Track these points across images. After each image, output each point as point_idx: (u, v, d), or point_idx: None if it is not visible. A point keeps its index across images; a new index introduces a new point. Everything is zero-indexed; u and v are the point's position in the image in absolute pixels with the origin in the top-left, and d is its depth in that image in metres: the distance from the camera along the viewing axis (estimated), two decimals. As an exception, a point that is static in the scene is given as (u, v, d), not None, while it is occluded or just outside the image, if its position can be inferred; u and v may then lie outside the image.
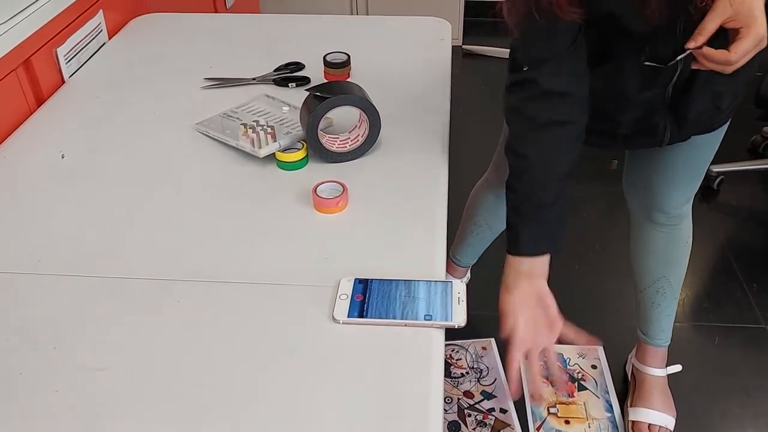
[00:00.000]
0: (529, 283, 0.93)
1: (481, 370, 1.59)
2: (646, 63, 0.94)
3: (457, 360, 1.61)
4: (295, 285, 0.81)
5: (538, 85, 0.88)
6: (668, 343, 1.47)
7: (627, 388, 1.53)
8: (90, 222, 0.92)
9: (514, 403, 1.51)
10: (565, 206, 0.94)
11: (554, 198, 0.92)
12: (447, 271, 1.63)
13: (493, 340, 1.64)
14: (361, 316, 0.75)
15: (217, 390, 0.69)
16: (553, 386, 1.55)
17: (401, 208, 0.93)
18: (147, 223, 0.92)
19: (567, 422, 1.49)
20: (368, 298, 0.77)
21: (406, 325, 0.75)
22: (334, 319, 0.76)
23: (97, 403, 0.67)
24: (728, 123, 1.11)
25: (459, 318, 0.75)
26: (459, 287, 0.79)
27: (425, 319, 0.75)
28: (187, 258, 0.86)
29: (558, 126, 0.91)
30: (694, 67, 0.84)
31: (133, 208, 0.95)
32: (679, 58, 0.90)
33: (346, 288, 0.79)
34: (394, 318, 0.75)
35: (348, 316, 0.76)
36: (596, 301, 1.78)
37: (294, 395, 0.68)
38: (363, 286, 0.79)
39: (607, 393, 1.55)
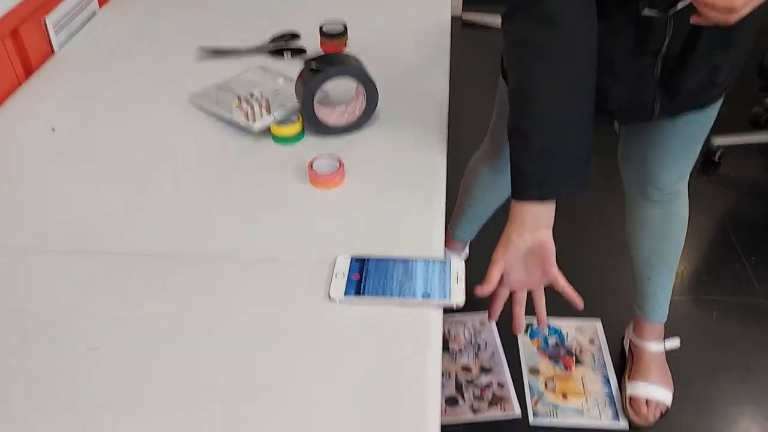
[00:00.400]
0: (533, 236, 0.85)
1: (480, 345, 1.59)
2: (645, 11, 0.89)
3: (455, 335, 1.61)
4: (290, 262, 0.80)
5: (543, 6, 0.79)
6: (665, 319, 1.46)
7: (625, 363, 1.53)
8: (82, 198, 0.90)
9: (512, 378, 1.51)
10: (581, 151, 0.85)
11: (564, 139, 0.83)
12: (445, 246, 1.62)
13: (491, 314, 1.64)
14: (357, 294, 0.74)
15: (212, 370, 0.67)
16: (552, 360, 1.55)
17: (399, 183, 0.91)
18: (140, 200, 0.90)
19: (564, 396, 1.49)
20: (365, 277, 0.76)
21: (403, 304, 0.74)
22: (330, 297, 0.74)
23: (91, 384, 0.66)
24: (721, 100, 1.08)
25: (457, 297, 0.74)
26: (458, 265, 0.78)
27: (423, 298, 0.74)
28: (180, 235, 0.84)
29: (567, 59, 0.82)
30: (693, 21, 0.80)
31: (125, 183, 0.93)
32: (679, 6, 0.85)
33: (343, 266, 0.77)
34: (391, 296, 0.74)
35: (344, 295, 0.74)
36: (594, 276, 1.77)
37: (290, 375, 0.67)
38: (360, 264, 0.78)
39: (605, 368, 1.54)
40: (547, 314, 0.92)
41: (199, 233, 0.84)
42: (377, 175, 0.93)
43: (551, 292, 0.90)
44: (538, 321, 0.93)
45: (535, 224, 0.85)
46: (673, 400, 1.45)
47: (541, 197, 0.84)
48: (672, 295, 1.43)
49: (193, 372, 0.67)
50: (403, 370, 0.67)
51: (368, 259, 0.78)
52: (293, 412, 0.64)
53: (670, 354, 1.49)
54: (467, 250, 1.75)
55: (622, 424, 1.44)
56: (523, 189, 0.85)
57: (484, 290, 0.88)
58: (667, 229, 1.32)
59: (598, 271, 1.78)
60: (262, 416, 0.63)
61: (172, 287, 0.77)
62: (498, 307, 0.92)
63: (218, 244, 0.83)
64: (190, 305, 0.75)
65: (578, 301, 0.90)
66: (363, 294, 0.74)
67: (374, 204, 0.88)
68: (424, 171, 0.94)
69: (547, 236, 0.86)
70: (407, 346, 0.70)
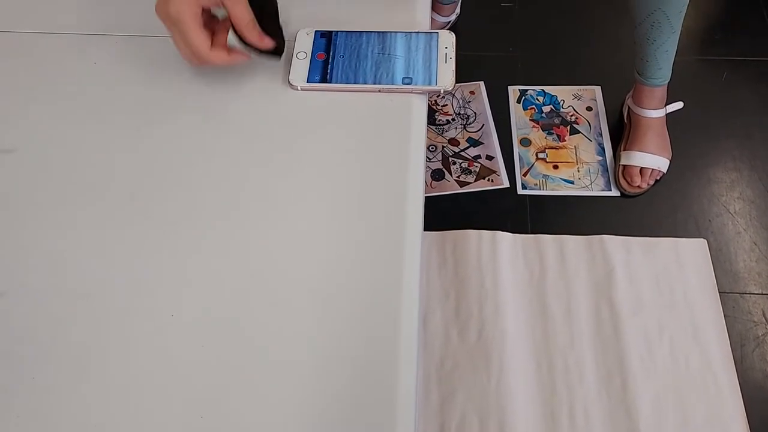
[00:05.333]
0: None
1: (468, 116, 1.48)
2: None
3: (442, 106, 1.49)
4: (240, 40, 0.65)
5: None
6: (666, 82, 1.33)
7: (623, 132, 1.44)
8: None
9: (502, 150, 1.43)
10: None
11: None
12: (432, 9, 1.43)
13: (482, 83, 1.50)
14: (324, 80, 0.61)
15: (152, 173, 0.57)
16: (545, 131, 1.46)
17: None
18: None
19: (555, 167, 1.42)
20: (332, 57, 0.62)
21: (380, 91, 0.61)
22: (290, 84, 0.61)
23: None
24: None
25: (446, 80, 0.61)
26: (447, 40, 0.63)
27: (404, 83, 0.61)
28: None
29: None
30: None
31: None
32: None
33: (305, 44, 0.63)
34: (365, 82, 0.61)
35: (308, 81, 0.61)
36: (596, 39, 1.60)
37: (253, 187, 0.57)
38: (326, 40, 0.63)
39: (600, 136, 1.46)
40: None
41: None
42: None
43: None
44: None
45: None
46: (669, 167, 1.38)
47: None
48: (678, 55, 1.28)
49: (136, 171, 0.57)
50: (381, 168, 0.57)
51: (336, 33, 0.64)
52: (268, 224, 0.55)
53: (670, 120, 1.39)
54: (458, 9, 1.56)
55: (614, 192, 1.39)
56: None
57: None
58: None
59: (600, 34, 1.61)
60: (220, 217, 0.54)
61: (93, 70, 0.63)
62: None
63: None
64: (116, 89, 0.62)
65: None
66: (330, 81, 0.61)
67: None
68: None
69: None
70: (385, 141, 0.59)
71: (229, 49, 0.58)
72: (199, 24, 0.56)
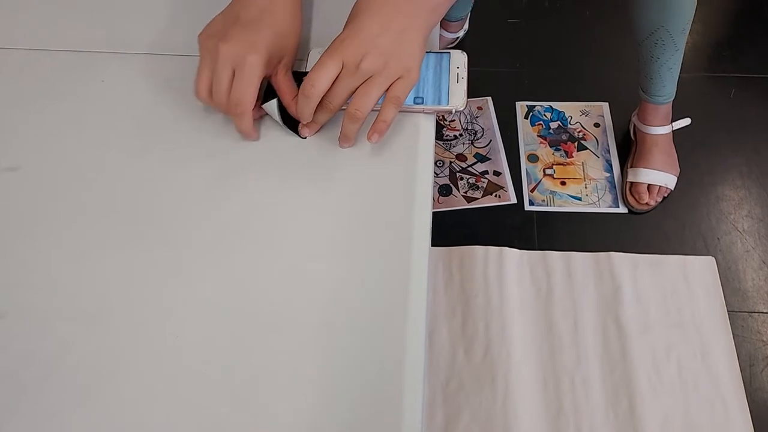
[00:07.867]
0: None
1: (476, 131, 1.47)
2: None
3: (450, 122, 1.49)
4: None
5: None
6: (670, 99, 1.33)
7: (630, 149, 1.43)
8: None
9: (509, 166, 1.42)
10: None
11: None
12: (440, 25, 1.43)
13: (489, 99, 1.50)
14: (334, 99, 0.60)
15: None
16: (553, 146, 1.45)
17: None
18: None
19: (563, 183, 1.41)
20: (343, 76, 0.62)
21: (390, 111, 0.60)
22: (300, 103, 0.61)
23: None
24: None
25: (457, 100, 0.61)
26: (459, 59, 0.63)
27: (415, 103, 0.60)
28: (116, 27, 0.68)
29: None
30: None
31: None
32: None
33: (316, 62, 0.63)
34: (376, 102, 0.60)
35: (318, 100, 0.60)
36: (602, 53, 1.60)
37: (259, 207, 0.56)
38: (336, 59, 0.63)
39: (608, 152, 1.45)
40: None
41: (142, 23, 0.68)
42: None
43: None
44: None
45: None
46: (677, 184, 1.38)
47: None
48: (686, 71, 1.28)
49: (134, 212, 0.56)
50: (388, 188, 0.57)
51: (347, 53, 0.63)
52: (275, 244, 0.54)
53: (678, 134, 1.39)
54: (466, 25, 1.56)
55: (621, 209, 1.38)
56: None
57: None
58: None
59: (608, 50, 1.61)
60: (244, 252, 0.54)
61: (102, 87, 0.63)
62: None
63: (166, 35, 0.67)
64: (119, 109, 0.61)
65: None
66: (340, 99, 0.60)
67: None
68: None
69: None
70: (392, 161, 0.58)
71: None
72: (259, 82, 0.58)
